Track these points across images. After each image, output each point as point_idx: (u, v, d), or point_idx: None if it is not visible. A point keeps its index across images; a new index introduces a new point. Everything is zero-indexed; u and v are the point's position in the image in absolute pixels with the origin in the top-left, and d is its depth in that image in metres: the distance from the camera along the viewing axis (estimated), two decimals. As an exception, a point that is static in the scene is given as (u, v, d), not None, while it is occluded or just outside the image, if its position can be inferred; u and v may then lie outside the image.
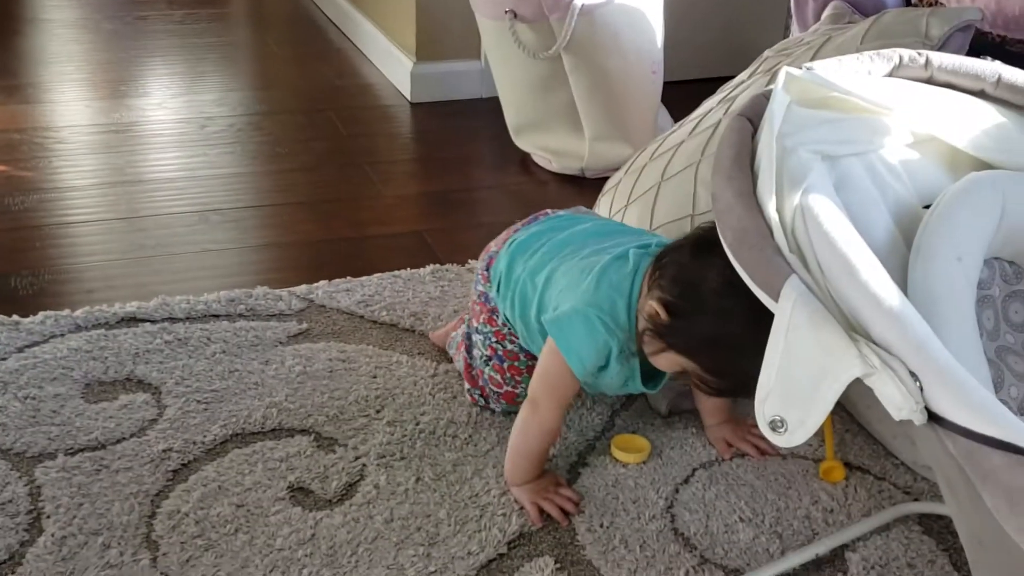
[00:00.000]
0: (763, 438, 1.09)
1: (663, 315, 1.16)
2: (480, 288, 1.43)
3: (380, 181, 2.26)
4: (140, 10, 3.50)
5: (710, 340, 1.15)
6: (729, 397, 1.35)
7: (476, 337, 1.43)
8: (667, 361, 1.19)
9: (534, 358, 1.39)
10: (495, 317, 1.41)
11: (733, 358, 1.12)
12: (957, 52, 1.41)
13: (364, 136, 2.52)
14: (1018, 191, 1.09)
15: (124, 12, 3.47)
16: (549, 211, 1.47)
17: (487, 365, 1.42)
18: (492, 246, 1.45)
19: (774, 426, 0.90)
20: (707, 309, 1.13)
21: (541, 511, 1.27)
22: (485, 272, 1.42)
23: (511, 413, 1.43)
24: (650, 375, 1.28)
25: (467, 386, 1.46)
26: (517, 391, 1.42)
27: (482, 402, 1.45)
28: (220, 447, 1.37)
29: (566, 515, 1.28)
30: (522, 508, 1.28)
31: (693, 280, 1.15)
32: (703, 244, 1.15)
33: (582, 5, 2.15)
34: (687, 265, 1.17)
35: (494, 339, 1.41)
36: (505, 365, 1.41)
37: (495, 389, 1.42)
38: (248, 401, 1.46)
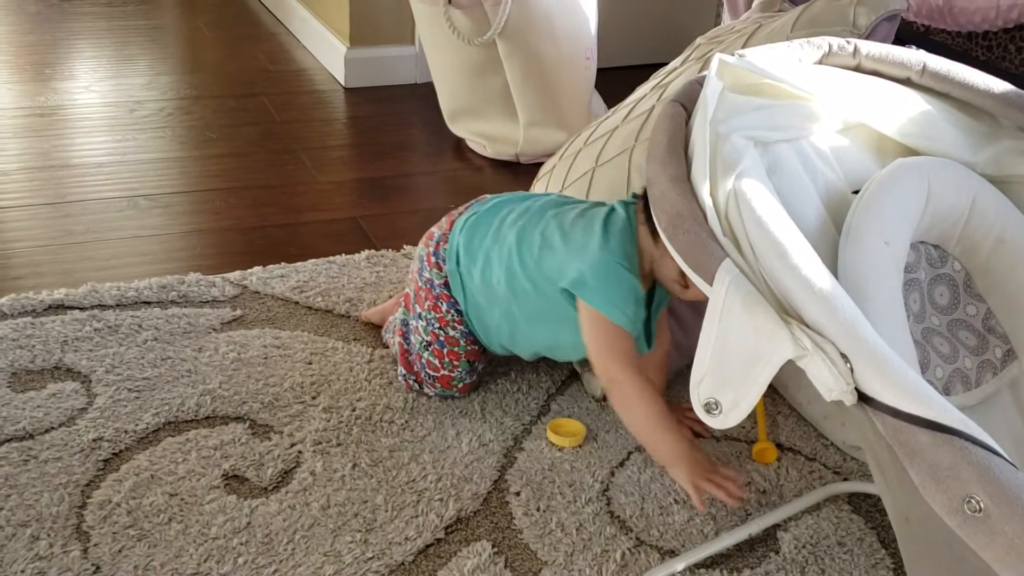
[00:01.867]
0: (698, 420, 1.10)
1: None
2: (426, 275, 1.42)
3: (314, 167, 2.24)
4: (65, -9, 3.42)
5: None
6: None
7: (417, 323, 1.43)
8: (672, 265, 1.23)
9: (475, 342, 1.40)
10: (440, 304, 1.41)
11: None
12: (883, 40, 1.44)
13: (298, 122, 2.50)
14: (943, 177, 1.12)
15: (48, -7, 3.39)
16: (487, 195, 1.47)
17: (427, 350, 1.42)
18: (435, 231, 1.44)
19: (708, 408, 0.92)
20: None
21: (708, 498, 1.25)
22: (432, 257, 1.42)
23: (447, 397, 1.43)
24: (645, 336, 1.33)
25: (401, 371, 1.46)
26: (453, 375, 1.42)
27: (416, 387, 1.45)
28: (152, 436, 1.35)
29: (734, 497, 1.23)
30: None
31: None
32: None
33: (517, -9, 2.15)
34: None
35: (437, 325, 1.41)
36: (445, 351, 1.41)
37: (431, 373, 1.42)
38: (181, 389, 1.44)
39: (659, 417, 1.26)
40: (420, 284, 1.43)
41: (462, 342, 1.42)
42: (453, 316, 1.41)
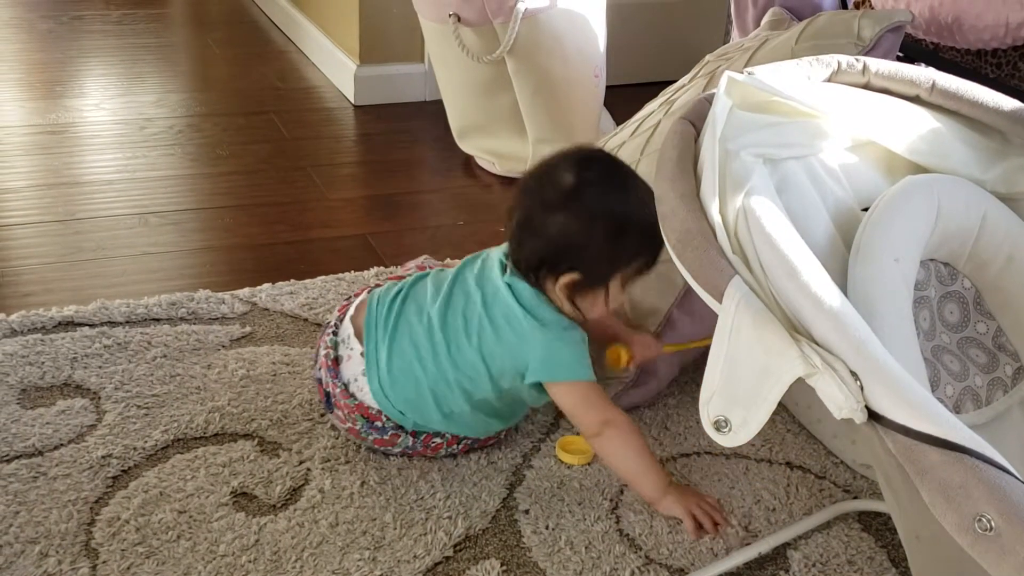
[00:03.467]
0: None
1: (570, 278, 1.23)
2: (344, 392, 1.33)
3: (324, 184, 2.25)
4: (76, 9, 3.44)
5: (611, 234, 1.23)
6: (660, 249, 1.26)
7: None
8: (614, 298, 1.27)
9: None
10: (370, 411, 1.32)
11: (630, 218, 1.22)
12: (888, 52, 1.44)
13: (307, 139, 2.51)
14: (953, 194, 1.12)
15: (59, 11, 3.41)
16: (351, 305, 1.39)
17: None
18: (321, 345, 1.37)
19: (718, 426, 0.91)
20: (583, 228, 1.23)
21: (698, 525, 1.26)
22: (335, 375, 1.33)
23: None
24: None
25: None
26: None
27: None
28: (161, 453, 1.35)
29: (716, 526, 1.26)
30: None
31: (552, 231, 1.24)
32: (524, 220, 1.26)
33: (525, 9, 2.16)
34: (538, 230, 1.25)
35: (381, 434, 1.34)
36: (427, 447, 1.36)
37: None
38: (190, 406, 1.44)
39: (647, 449, 1.29)
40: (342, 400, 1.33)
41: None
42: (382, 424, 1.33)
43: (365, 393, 1.31)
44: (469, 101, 2.34)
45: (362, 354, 1.31)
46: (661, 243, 1.15)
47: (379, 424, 1.32)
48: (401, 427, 1.32)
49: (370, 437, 1.33)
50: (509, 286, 1.27)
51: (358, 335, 1.33)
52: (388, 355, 1.30)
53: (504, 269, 1.29)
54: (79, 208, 2.06)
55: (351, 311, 1.36)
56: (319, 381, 1.36)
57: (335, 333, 1.36)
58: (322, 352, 1.35)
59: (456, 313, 1.29)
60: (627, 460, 1.28)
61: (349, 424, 1.33)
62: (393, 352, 1.30)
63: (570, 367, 1.26)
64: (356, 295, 1.39)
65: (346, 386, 1.32)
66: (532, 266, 1.26)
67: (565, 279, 1.24)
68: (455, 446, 1.36)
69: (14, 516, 1.22)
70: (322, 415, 1.44)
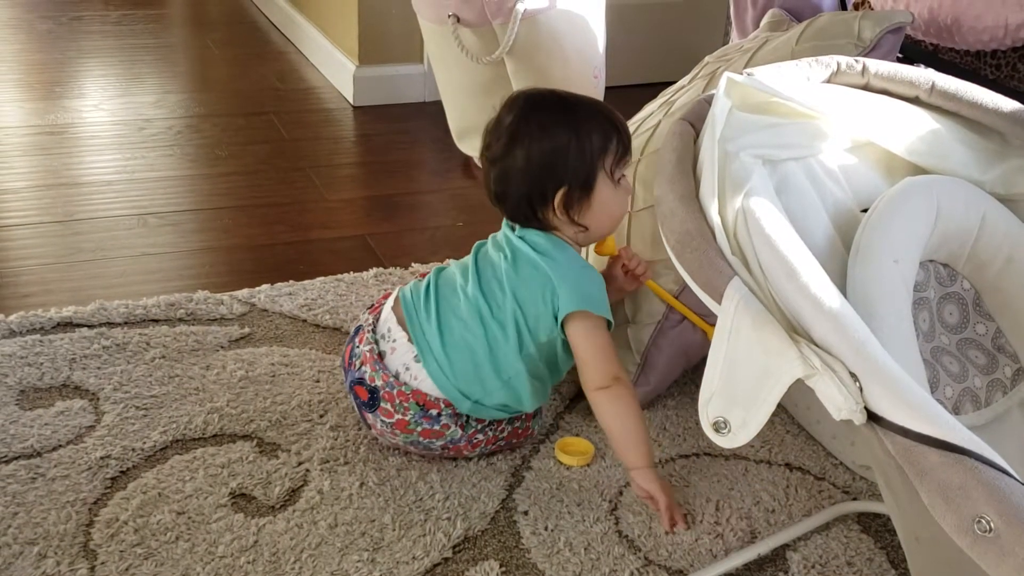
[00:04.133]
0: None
1: (561, 194, 1.28)
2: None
3: (323, 185, 2.25)
4: (75, 10, 3.44)
5: (570, 134, 1.28)
6: (623, 127, 1.34)
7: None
8: (612, 196, 1.31)
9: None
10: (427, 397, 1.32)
11: (580, 111, 1.30)
12: (889, 53, 1.44)
13: (306, 140, 2.50)
14: (952, 195, 1.12)
15: (59, 12, 3.41)
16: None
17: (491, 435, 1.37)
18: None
19: (717, 427, 0.91)
20: (544, 144, 1.28)
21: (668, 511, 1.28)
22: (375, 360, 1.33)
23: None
24: None
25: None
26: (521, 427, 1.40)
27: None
28: (160, 454, 1.35)
29: (677, 523, 1.29)
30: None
31: (521, 164, 1.29)
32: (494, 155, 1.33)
33: (525, 10, 2.15)
34: (510, 174, 1.31)
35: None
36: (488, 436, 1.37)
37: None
38: (189, 407, 1.44)
39: (644, 418, 1.31)
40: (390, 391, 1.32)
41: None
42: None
43: (419, 380, 1.30)
44: (468, 102, 2.33)
45: (408, 340, 1.31)
46: (621, 123, 1.25)
47: (434, 412, 1.31)
48: (455, 416, 1.32)
49: (418, 428, 1.32)
50: (523, 239, 1.32)
51: (401, 324, 1.33)
52: (439, 334, 1.31)
53: (513, 231, 1.34)
54: (78, 209, 2.06)
55: (389, 304, 1.37)
56: (355, 383, 1.33)
57: (374, 331, 1.35)
58: (364, 349, 1.33)
59: (488, 280, 1.32)
60: (627, 421, 1.28)
61: (399, 415, 1.31)
62: (443, 330, 1.31)
63: (595, 300, 1.29)
64: (384, 297, 1.40)
65: (396, 376, 1.31)
66: (527, 208, 1.31)
67: (557, 198, 1.28)
68: (491, 445, 1.37)
69: (12, 517, 1.22)
70: (321, 416, 1.43)
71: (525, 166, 1.29)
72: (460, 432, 1.33)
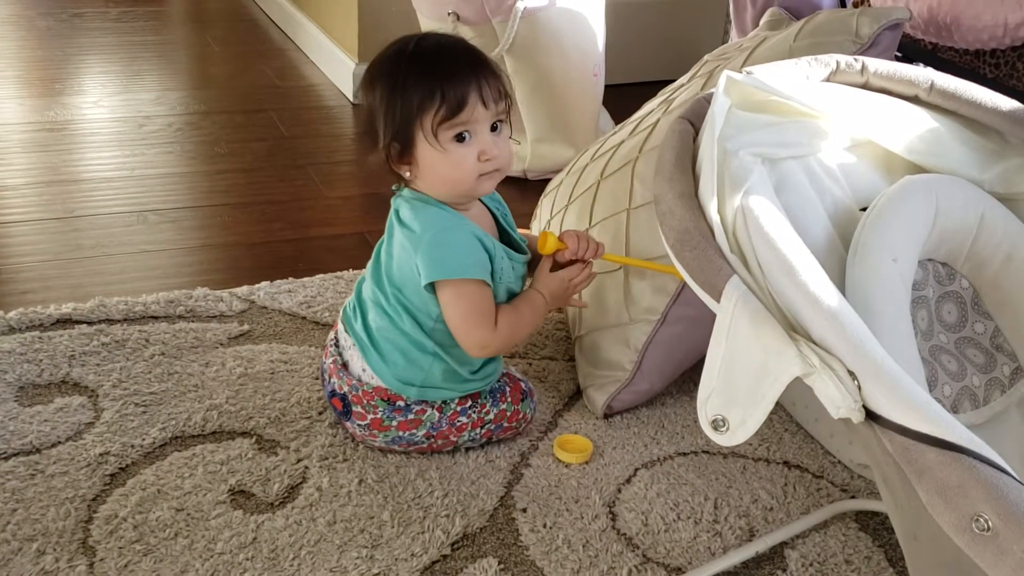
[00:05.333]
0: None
1: (392, 149, 1.28)
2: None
3: (322, 182, 2.25)
4: (75, 7, 3.44)
5: (388, 89, 1.26)
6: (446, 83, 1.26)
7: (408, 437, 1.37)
8: (442, 149, 1.26)
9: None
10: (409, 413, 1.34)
11: (399, 66, 1.27)
12: (887, 50, 1.44)
13: (306, 137, 2.50)
14: (951, 194, 1.12)
15: (59, 9, 3.41)
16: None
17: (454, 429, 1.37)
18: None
19: (716, 425, 0.91)
20: (371, 101, 1.29)
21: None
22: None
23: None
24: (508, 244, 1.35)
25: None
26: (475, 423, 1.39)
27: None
28: (159, 450, 1.35)
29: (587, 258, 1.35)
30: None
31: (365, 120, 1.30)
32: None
33: (524, 8, 2.16)
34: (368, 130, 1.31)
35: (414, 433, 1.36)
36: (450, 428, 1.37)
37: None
38: (188, 404, 1.44)
39: (525, 317, 1.31)
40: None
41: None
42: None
43: (376, 378, 1.33)
44: (468, 100, 2.33)
45: (354, 344, 1.34)
46: (443, 77, 1.22)
47: (401, 404, 1.33)
48: (422, 401, 1.33)
49: (394, 423, 1.33)
50: (397, 211, 1.33)
51: (347, 331, 1.38)
52: (366, 332, 1.34)
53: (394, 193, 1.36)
54: (77, 205, 2.06)
55: (341, 314, 1.41)
56: (331, 396, 1.37)
57: (336, 344, 1.39)
58: (328, 362, 1.38)
59: (378, 268, 1.35)
60: (517, 337, 1.32)
61: (371, 415, 1.33)
62: (368, 327, 1.34)
63: (451, 265, 1.26)
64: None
65: (359, 379, 1.34)
66: (385, 162, 1.31)
67: (390, 153, 1.29)
68: (478, 429, 1.37)
69: (11, 514, 1.22)
70: (320, 413, 1.44)
71: (366, 121, 1.32)
72: (437, 415, 1.34)
